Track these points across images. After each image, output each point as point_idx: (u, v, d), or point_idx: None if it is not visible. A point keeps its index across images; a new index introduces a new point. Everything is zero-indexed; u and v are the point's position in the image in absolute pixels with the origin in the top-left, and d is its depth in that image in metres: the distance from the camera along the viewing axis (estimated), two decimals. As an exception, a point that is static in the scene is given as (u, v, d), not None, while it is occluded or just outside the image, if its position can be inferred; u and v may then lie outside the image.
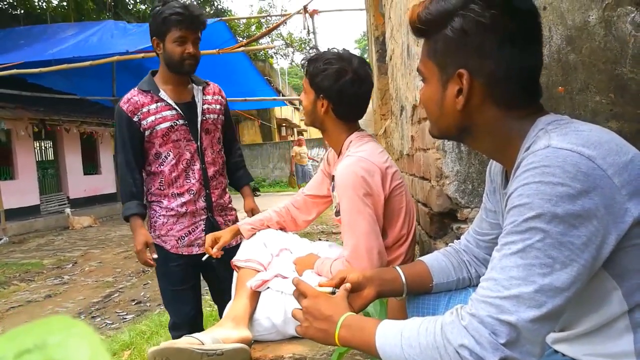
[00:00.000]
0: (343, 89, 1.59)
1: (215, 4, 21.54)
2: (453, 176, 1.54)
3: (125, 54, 8.49)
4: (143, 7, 18.08)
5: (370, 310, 1.39)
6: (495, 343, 0.73)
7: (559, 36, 1.45)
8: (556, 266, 0.72)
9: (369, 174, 1.51)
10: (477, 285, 0.81)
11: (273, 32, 23.03)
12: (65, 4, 15.69)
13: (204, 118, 2.18)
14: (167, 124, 2.09)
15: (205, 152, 2.18)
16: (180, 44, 2.04)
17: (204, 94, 2.23)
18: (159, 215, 2.17)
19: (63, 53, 9.08)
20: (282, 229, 1.93)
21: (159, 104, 2.11)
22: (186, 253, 2.17)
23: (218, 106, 2.27)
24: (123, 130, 2.10)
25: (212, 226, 2.19)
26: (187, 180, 2.14)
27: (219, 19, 9.90)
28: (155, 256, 2.11)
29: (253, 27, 22.96)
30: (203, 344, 1.39)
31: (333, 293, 1.10)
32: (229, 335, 1.47)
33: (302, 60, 1.70)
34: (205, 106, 2.20)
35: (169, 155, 2.11)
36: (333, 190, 1.72)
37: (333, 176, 1.73)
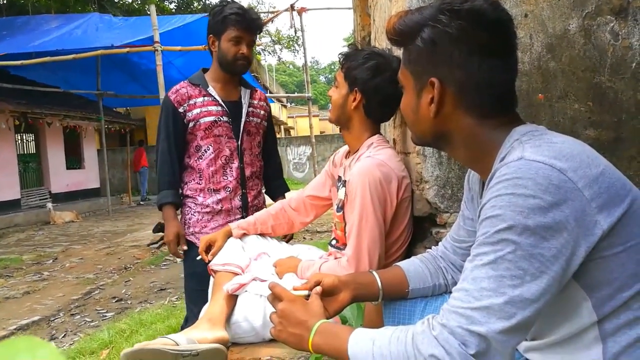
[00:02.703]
0: (379, 85, 1.57)
1: (204, -1, 21.35)
2: (433, 181, 1.55)
3: (110, 48, 8.39)
4: (129, 0, 17.87)
5: (347, 314, 1.39)
6: (465, 354, 0.73)
7: (539, 44, 1.46)
8: (526, 278, 0.73)
9: (386, 179, 1.51)
10: None
11: (261, 29, 22.89)
12: (49, -5, 15.42)
13: (248, 119, 2.23)
14: (211, 119, 2.14)
15: (244, 152, 2.22)
16: (235, 43, 2.10)
17: (251, 98, 2.28)
18: (194, 212, 2.19)
19: (46, 45, 8.95)
20: (275, 232, 1.91)
21: (206, 98, 2.16)
22: None
23: (262, 112, 2.33)
24: (168, 119, 2.15)
25: None
26: (225, 177, 2.18)
27: (207, 14, 9.82)
28: (185, 248, 2.16)
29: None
30: (178, 345, 1.38)
31: (308, 296, 1.10)
32: (205, 336, 1.46)
33: (339, 54, 1.67)
34: (251, 109, 2.26)
35: (209, 149, 2.15)
36: (338, 190, 1.72)
37: (339, 177, 1.72)
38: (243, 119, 2.21)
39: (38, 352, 0.26)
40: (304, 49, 11.10)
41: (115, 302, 4.71)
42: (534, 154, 0.77)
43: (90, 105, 13.06)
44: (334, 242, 1.74)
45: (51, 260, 6.83)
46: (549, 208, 0.73)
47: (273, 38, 26.89)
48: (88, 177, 15.02)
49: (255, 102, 2.30)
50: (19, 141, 12.92)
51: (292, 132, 31.39)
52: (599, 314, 0.79)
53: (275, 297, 1.03)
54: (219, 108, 2.15)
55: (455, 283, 1.16)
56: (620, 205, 0.77)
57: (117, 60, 10.46)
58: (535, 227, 0.73)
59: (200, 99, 2.15)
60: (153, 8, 7.77)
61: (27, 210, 11.88)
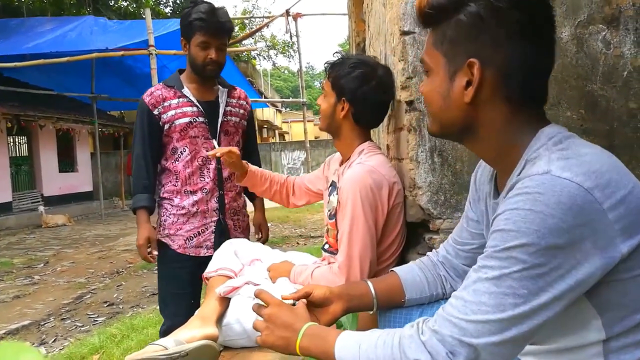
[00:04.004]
0: (367, 93, 1.58)
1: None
2: (426, 187, 1.55)
3: (104, 51, 8.37)
4: (125, 3, 17.85)
5: (343, 319, 1.38)
6: None
7: (532, 51, 1.47)
8: (529, 297, 0.70)
9: (377, 186, 1.51)
10: None
11: (256, 34, 22.99)
12: (44, -3, 15.38)
13: (225, 119, 2.18)
14: (186, 120, 2.10)
15: None
16: (203, 49, 2.04)
17: (229, 96, 2.23)
18: (169, 214, 2.16)
19: (40, 48, 8.92)
20: (273, 197, 2.01)
21: (180, 99, 2.12)
22: (193, 254, 2.14)
23: (241, 111, 2.28)
24: (143, 122, 2.11)
25: (222, 229, 2.17)
26: (201, 179, 2.14)
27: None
28: (156, 253, 2.12)
29: (236, 28, 22.86)
30: (167, 349, 1.37)
31: (294, 305, 1.09)
32: (193, 335, 1.45)
33: (325, 63, 1.68)
34: (228, 108, 2.21)
35: (185, 151, 2.11)
36: (330, 195, 1.72)
37: (333, 182, 1.72)
38: (220, 119, 2.16)
39: (23, 357, 0.26)
40: (299, 54, 11.17)
41: (107, 306, 4.68)
42: (561, 169, 0.72)
43: (83, 109, 13.00)
44: (326, 246, 1.74)
45: (42, 264, 6.77)
46: (567, 229, 0.69)
47: (268, 43, 26.95)
48: (81, 180, 14.94)
49: (234, 100, 2.24)
50: (11, 144, 12.85)
51: (286, 137, 31.40)
52: (608, 333, 0.76)
53: (260, 306, 1.02)
54: (194, 109, 2.11)
55: (453, 292, 1.15)
56: None
57: (112, 63, 10.45)
58: (547, 247, 0.69)
59: (175, 101, 2.10)
60: (148, 12, 7.77)
61: (19, 213, 11.80)
